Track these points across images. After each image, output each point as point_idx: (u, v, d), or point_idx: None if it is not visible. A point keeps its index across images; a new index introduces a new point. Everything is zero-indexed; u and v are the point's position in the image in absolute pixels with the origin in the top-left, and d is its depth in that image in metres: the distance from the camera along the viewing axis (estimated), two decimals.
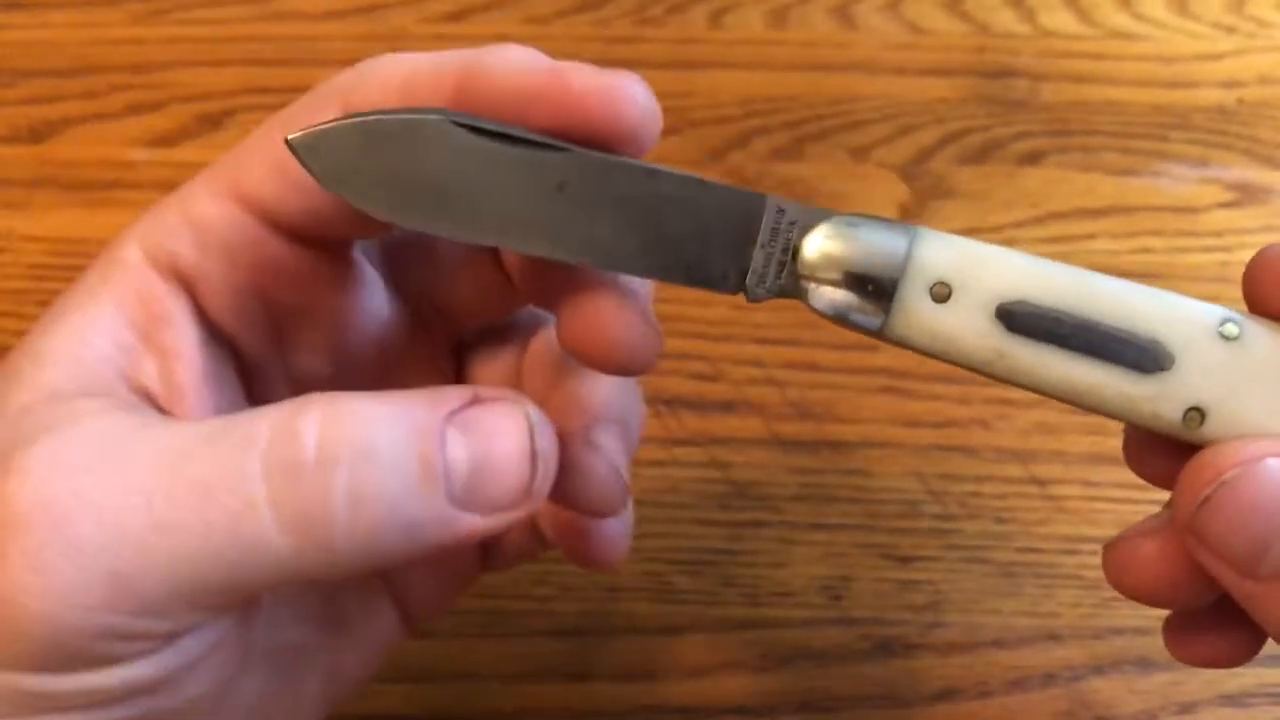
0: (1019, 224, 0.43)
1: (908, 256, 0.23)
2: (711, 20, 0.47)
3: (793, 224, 0.24)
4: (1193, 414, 0.23)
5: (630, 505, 0.27)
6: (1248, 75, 0.45)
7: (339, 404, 0.22)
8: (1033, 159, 0.44)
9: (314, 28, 0.47)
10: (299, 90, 0.46)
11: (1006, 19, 0.46)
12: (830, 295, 0.23)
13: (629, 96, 0.23)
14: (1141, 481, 0.38)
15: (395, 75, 0.24)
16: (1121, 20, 0.46)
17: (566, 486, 0.25)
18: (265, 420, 0.22)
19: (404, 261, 0.27)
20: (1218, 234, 0.42)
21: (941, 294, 0.23)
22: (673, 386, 0.40)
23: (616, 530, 0.28)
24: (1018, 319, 0.23)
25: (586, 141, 0.23)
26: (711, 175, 0.45)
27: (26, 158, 0.45)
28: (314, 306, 0.26)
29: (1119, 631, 0.36)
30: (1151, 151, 0.44)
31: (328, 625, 0.27)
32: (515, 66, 0.23)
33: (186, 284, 0.25)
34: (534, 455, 0.23)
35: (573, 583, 0.36)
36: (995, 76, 0.45)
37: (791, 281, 0.24)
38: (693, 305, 0.41)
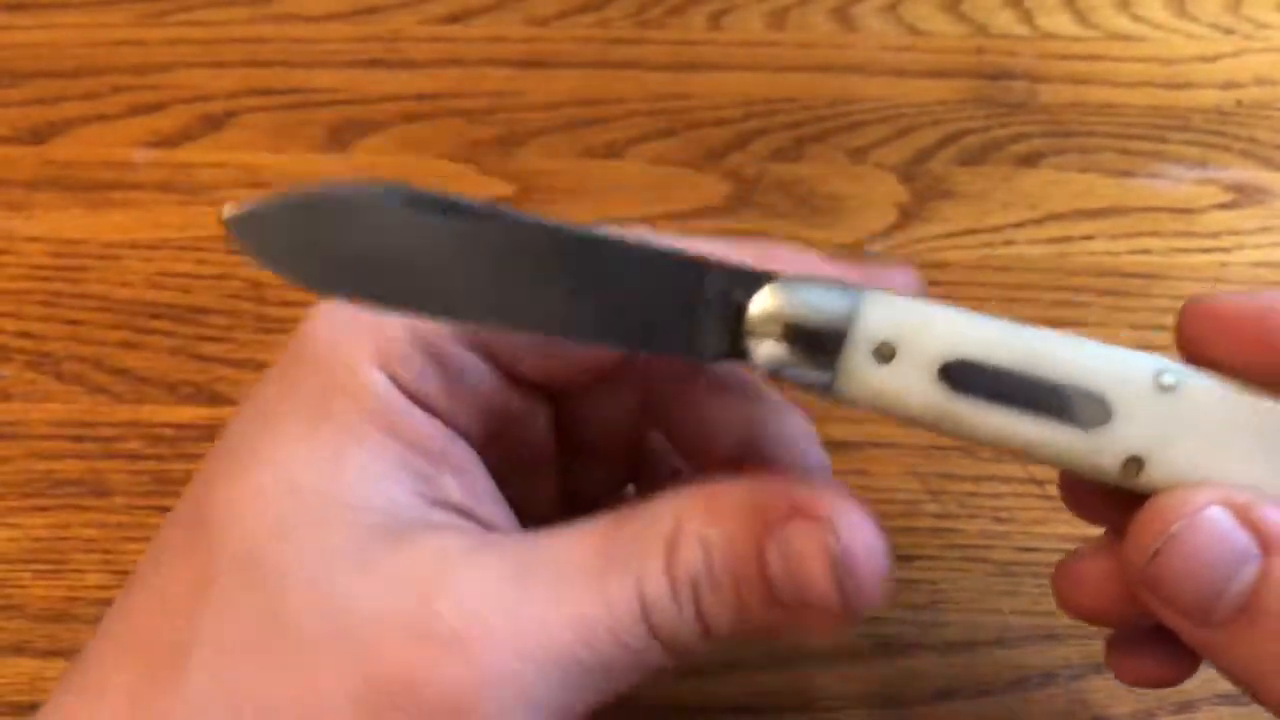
0: (1017, 225, 0.43)
1: (851, 317, 0.23)
2: (711, 22, 0.47)
3: (738, 286, 0.23)
4: (1131, 463, 0.23)
5: None
6: (1246, 76, 0.45)
7: (684, 534, 0.23)
8: (1031, 160, 0.44)
9: (314, 29, 0.47)
10: (300, 91, 0.47)
11: (1005, 20, 0.46)
12: (776, 356, 0.23)
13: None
14: None
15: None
16: (1120, 22, 0.46)
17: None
18: (625, 566, 0.23)
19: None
20: (1215, 235, 0.42)
21: (886, 354, 0.23)
22: None
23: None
24: (960, 378, 0.23)
25: None
26: (711, 176, 0.45)
27: (28, 159, 0.45)
28: (514, 438, 0.26)
29: None
30: (1150, 153, 0.44)
31: None
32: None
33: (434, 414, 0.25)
34: (840, 587, 0.23)
35: None
36: (994, 78, 0.45)
37: (739, 343, 0.23)
38: None
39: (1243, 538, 0.22)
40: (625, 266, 0.23)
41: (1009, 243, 0.42)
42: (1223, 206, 0.43)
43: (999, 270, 0.42)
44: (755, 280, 0.23)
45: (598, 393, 0.27)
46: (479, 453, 0.26)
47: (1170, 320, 0.42)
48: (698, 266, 0.23)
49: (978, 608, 0.37)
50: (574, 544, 0.23)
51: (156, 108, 0.45)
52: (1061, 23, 0.46)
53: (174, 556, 0.24)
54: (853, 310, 0.23)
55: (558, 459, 0.28)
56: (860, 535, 0.22)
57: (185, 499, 0.25)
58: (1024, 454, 0.24)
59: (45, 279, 0.42)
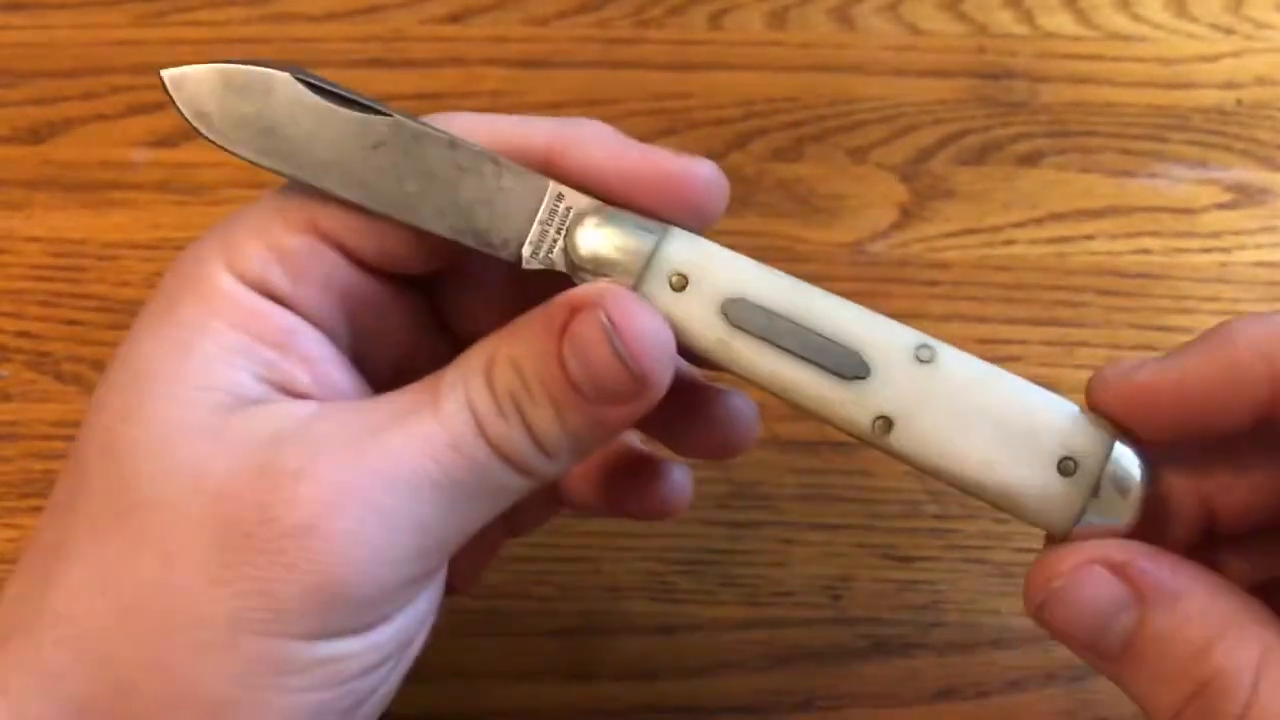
0: (1018, 225, 0.43)
1: (655, 248, 0.26)
2: (711, 21, 0.47)
3: (569, 209, 0.27)
4: (880, 422, 0.26)
5: None
6: (1246, 76, 0.45)
7: (498, 359, 0.25)
8: (1031, 160, 0.44)
9: (314, 29, 0.47)
10: None
11: (1005, 20, 0.46)
12: (592, 274, 0.26)
13: (712, 182, 0.26)
14: None
15: (479, 128, 0.27)
16: (1120, 22, 0.46)
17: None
18: (452, 390, 0.25)
19: (444, 292, 0.29)
20: (1215, 235, 0.42)
21: (679, 284, 0.26)
22: None
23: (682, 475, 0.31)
24: (739, 314, 0.26)
25: (660, 216, 0.26)
26: None
27: (27, 158, 0.45)
28: (380, 328, 0.28)
29: None
30: (1150, 152, 0.44)
31: None
32: (606, 148, 0.26)
33: (284, 305, 0.26)
34: (621, 359, 0.25)
35: (573, 583, 0.37)
36: (994, 78, 0.45)
37: (561, 258, 0.27)
38: None
39: (1118, 590, 0.24)
40: (478, 174, 0.26)
41: (1009, 242, 0.42)
42: (1223, 206, 0.43)
43: (999, 270, 0.42)
44: (583, 207, 0.27)
45: (474, 284, 0.29)
46: (348, 346, 0.27)
47: (1171, 320, 0.42)
48: (537, 184, 0.27)
49: (977, 608, 0.37)
50: (412, 388, 0.25)
51: (155, 107, 0.45)
52: (1062, 22, 0.46)
53: (63, 472, 0.26)
54: (658, 242, 0.26)
55: (444, 351, 0.29)
56: (625, 307, 0.25)
57: None
58: (789, 397, 0.26)
59: (45, 279, 0.42)
